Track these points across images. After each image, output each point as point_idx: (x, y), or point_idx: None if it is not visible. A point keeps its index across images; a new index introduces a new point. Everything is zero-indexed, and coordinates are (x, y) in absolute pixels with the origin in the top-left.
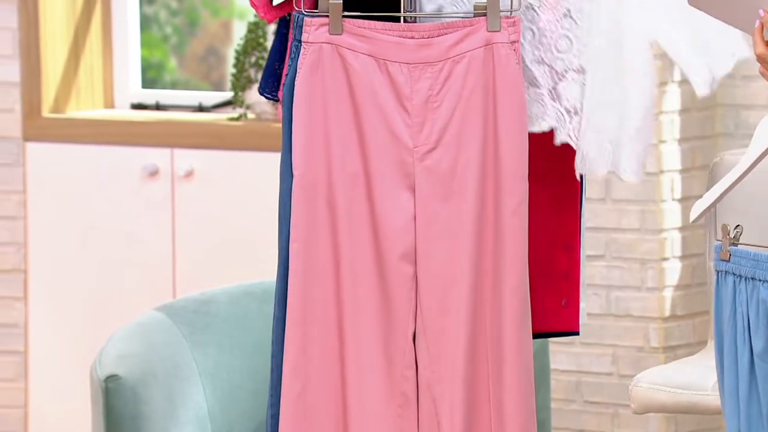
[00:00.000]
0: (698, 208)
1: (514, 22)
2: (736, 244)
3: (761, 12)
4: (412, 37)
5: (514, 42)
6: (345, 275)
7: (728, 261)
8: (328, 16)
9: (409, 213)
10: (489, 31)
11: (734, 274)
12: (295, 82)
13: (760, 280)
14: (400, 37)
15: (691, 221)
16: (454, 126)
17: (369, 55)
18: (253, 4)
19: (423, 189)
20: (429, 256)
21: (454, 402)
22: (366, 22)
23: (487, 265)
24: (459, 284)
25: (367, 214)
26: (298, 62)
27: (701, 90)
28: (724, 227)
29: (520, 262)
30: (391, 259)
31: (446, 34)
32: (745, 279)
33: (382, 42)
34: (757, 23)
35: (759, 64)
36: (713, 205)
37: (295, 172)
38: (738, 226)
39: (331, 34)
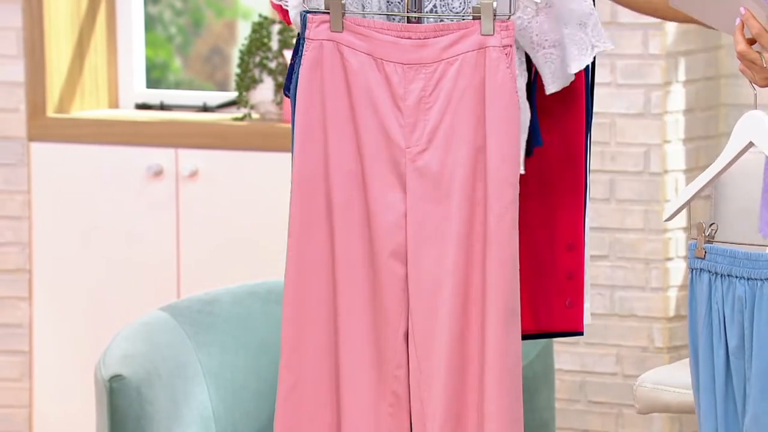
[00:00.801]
0: (672, 206)
1: (508, 26)
2: (711, 242)
3: (741, 10)
4: (409, 38)
5: (507, 46)
6: (340, 272)
7: (703, 258)
8: (329, 13)
9: (400, 212)
10: (482, 35)
11: (709, 272)
12: (298, 79)
13: (736, 277)
14: (397, 36)
15: (664, 219)
16: (444, 128)
17: (367, 54)
18: (273, 6)
19: (414, 190)
20: (419, 257)
21: (437, 405)
22: (366, 20)
23: (475, 269)
24: (446, 286)
25: (362, 213)
26: (301, 58)
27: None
28: (699, 225)
29: (507, 267)
30: (382, 257)
31: (442, 35)
32: (721, 276)
33: (379, 41)
34: (738, 21)
35: (740, 62)
36: (687, 203)
37: (293, 168)
38: (713, 223)
39: (331, 31)
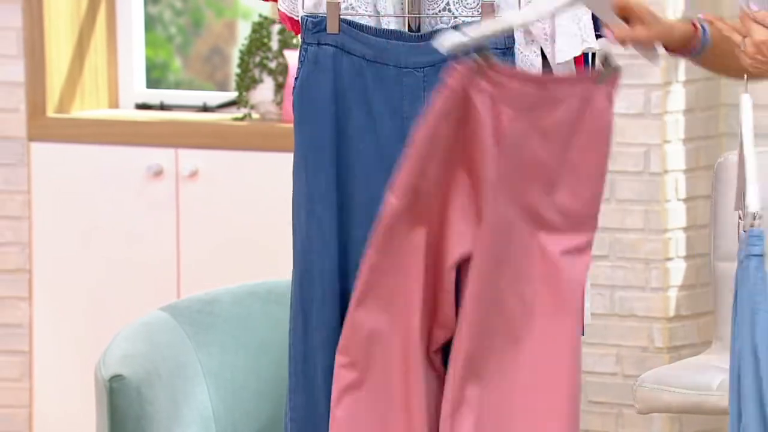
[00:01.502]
0: (750, 193)
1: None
2: (753, 226)
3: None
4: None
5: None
6: None
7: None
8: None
9: None
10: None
11: (747, 255)
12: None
13: (747, 256)
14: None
15: (743, 205)
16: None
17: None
18: (282, 19)
19: None
20: None
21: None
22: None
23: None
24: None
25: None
26: (304, 64)
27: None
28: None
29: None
30: None
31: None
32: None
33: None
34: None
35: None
36: (755, 188)
37: None
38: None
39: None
